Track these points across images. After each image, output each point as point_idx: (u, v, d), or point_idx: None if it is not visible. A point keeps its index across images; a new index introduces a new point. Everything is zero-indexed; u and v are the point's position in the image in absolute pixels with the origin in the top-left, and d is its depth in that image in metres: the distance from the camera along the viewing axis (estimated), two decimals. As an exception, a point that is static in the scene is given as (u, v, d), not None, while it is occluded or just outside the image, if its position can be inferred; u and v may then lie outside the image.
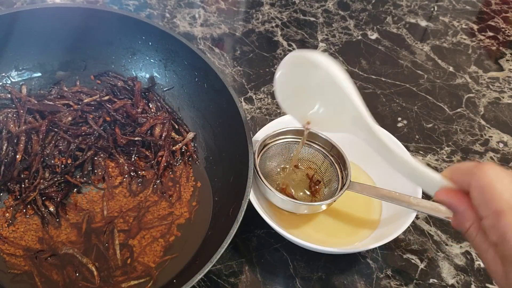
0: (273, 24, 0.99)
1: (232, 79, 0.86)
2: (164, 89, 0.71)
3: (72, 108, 0.67)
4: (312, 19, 1.01)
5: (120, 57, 0.70)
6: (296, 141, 0.66)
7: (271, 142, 0.65)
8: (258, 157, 0.62)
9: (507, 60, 0.97)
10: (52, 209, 0.59)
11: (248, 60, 0.90)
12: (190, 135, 0.68)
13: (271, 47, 0.93)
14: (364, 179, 0.68)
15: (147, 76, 0.71)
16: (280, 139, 0.65)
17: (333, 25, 1.00)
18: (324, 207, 0.61)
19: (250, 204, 0.58)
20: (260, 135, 0.65)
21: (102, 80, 0.70)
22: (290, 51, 0.93)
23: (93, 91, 0.69)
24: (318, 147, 0.65)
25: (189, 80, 0.68)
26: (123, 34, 0.67)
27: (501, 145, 0.80)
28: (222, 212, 0.60)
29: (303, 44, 0.94)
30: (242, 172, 0.56)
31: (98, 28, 0.66)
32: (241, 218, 0.51)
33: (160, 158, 0.65)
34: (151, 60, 0.70)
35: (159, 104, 0.70)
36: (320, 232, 0.63)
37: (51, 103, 0.66)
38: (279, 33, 0.97)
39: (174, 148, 0.67)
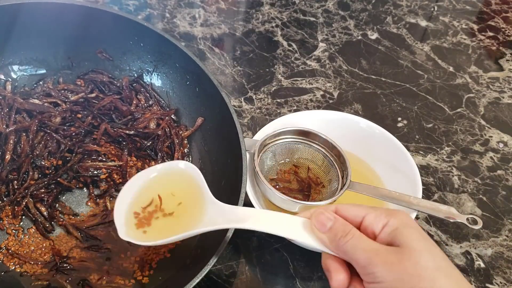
0: (273, 24, 0.99)
1: (232, 79, 0.86)
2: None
3: (61, 108, 0.65)
4: (312, 19, 1.01)
5: (109, 55, 0.69)
6: (296, 141, 0.66)
7: (271, 142, 0.65)
8: (258, 157, 0.62)
9: (507, 60, 0.97)
10: (45, 213, 0.59)
11: (248, 60, 0.90)
12: (199, 120, 0.67)
13: (271, 47, 0.93)
14: (370, 175, 0.68)
15: (136, 75, 0.70)
16: (280, 139, 0.65)
17: (333, 25, 1.00)
18: (324, 207, 0.61)
19: (250, 204, 0.58)
20: (260, 135, 0.65)
21: (86, 78, 0.69)
22: (290, 51, 0.93)
23: (79, 87, 0.68)
24: (318, 147, 0.65)
25: (180, 83, 0.68)
26: (115, 34, 0.66)
27: (501, 145, 0.80)
28: None
29: (303, 44, 0.94)
30: (234, 178, 0.55)
31: (90, 26, 0.64)
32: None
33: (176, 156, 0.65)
34: (142, 61, 0.69)
35: (147, 94, 0.69)
36: (320, 232, 0.63)
37: (39, 102, 0.64)
38: (279, 33, 0.97)
39: (183, 135, 0.66)
